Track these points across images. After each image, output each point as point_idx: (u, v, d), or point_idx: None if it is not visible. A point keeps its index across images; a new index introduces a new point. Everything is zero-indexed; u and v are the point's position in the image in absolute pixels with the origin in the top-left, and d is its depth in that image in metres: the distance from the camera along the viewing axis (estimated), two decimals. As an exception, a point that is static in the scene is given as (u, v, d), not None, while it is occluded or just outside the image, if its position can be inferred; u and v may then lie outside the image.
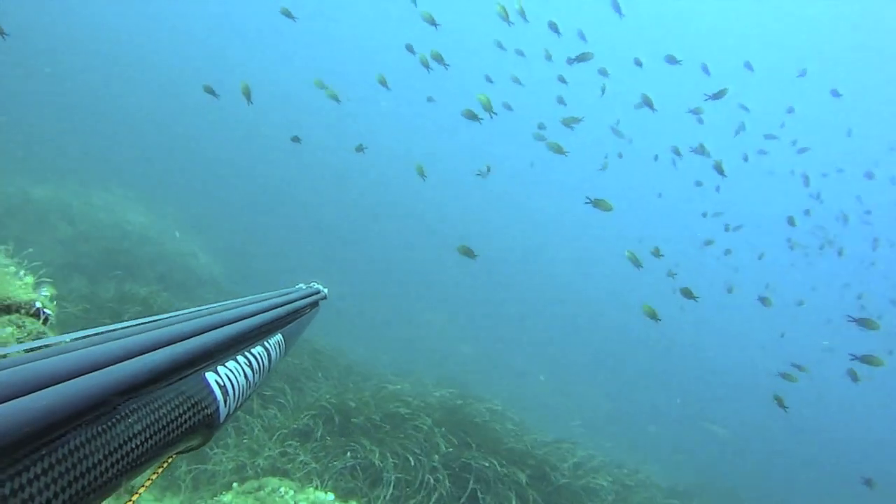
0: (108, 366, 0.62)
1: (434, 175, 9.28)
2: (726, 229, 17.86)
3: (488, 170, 10.37)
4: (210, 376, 0.85)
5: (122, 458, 0.59)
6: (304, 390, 7.10)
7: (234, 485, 4.84)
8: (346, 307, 16.34)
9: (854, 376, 12.74)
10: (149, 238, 12.05)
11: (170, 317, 0.89)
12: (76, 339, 0.67)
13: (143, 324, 0.80)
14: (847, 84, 19.47)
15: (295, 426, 5.74)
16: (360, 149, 8.32)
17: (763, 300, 11.05)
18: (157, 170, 18.78)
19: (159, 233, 12.53)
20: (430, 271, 22.86)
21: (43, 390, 0.51)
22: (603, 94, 11.59)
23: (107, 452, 0.56)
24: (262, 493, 4.81)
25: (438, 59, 8.03)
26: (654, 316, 7.19)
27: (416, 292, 20.14)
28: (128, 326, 0.77)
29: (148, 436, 0.65)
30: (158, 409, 0.68)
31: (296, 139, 8.96)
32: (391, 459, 5.37)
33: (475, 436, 6.22)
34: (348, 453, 5.36)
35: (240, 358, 0.98)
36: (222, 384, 0.87)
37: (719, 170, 10.03)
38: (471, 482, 5.42)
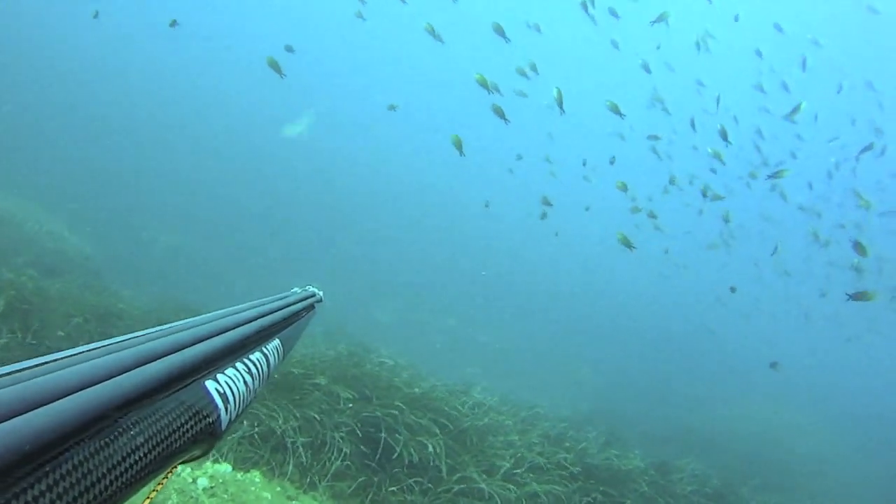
0: (107, 379, 0.60)
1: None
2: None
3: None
4: (210, 384, 0.84)
5: (126, 471, 0.58)
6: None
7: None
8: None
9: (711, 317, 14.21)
10: (7, 220, 10.82)
11: (167, 327, 0.86)
12: (74, 354, 0.63)
13: (139, 336, 0.77)
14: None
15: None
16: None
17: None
18: (12, 148, 16.60)
19: (20, 215, 11.27)
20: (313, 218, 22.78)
21: (43, 407, 0.50)
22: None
23: (110, 466, 0.56)
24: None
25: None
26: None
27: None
28: (125, 339, 0.74)
29: (150, 448, 0.63)
30: (160, 421, 0.67)
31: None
32: (292, 422, 5.33)
33: (373, 388, 6.34)
34: (244, 422, 5.27)
35: (239, 365, 0.97)
36: (222, 392, 0.87)
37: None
38: (382, 434, 5.53)
